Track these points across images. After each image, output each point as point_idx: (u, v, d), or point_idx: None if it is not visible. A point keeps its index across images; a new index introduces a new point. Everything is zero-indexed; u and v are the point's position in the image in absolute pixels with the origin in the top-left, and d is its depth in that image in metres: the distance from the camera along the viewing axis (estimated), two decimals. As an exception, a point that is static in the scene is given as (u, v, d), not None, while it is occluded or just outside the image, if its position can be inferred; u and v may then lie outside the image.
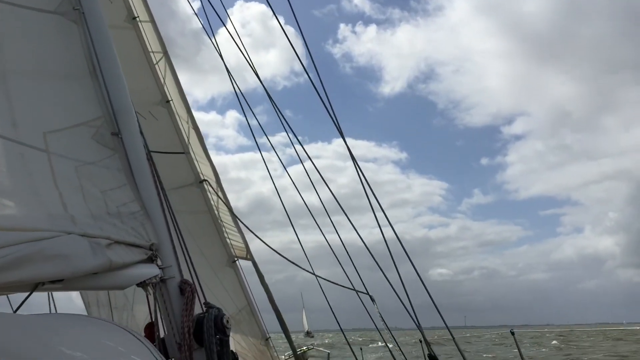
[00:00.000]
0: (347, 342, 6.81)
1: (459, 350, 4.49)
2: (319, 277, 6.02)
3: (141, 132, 2.77)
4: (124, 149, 2.64)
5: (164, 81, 6.49)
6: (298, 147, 5.67)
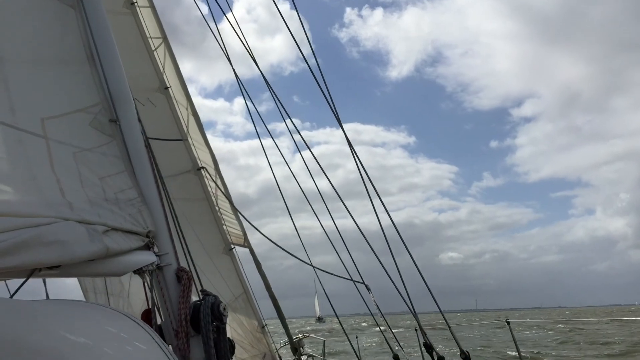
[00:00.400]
0: (343, 328, 6.85)
1: (454, 337, 4.51)
2: (315, 267, 6.04)
3: (139, 119, 2.76)
4: (122, 135, 2.64)
5: (163, 68, 6.46)
6: (299, 135, 5.66)
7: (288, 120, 5.64)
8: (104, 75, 2.68)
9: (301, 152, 5.81)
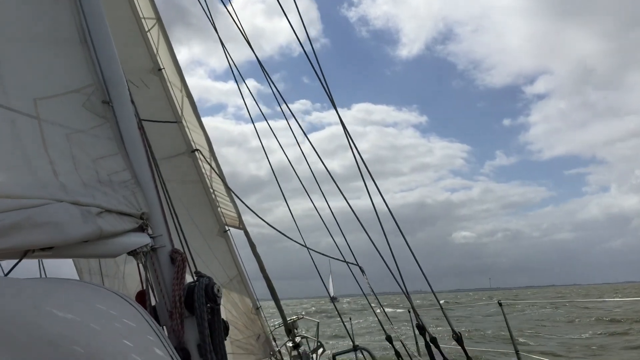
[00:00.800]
0: (336, 309, 6.91)
1: (446, 317, 4.55)
2: (310, 248, 6.07)
3: (132, 101, 2.75)
4: (115, 117, 2.63)
5: (157, 49, 6.41)
6: (304, 117, 5.65)
7: (282, 105, 5.63)
8: (96, 56, 2.66)
9: (298, 140, 5.81)
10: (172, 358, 1.77)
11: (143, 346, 1.66)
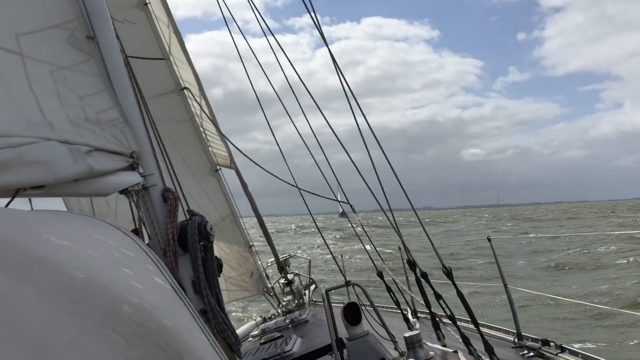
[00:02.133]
0: (330, 251, 7.01)
1: (436, 252, 4.60)
2: (300, 188, 6.09)
3: (117, 36, 2.67)
4: (100, 52, 2.56)
5: (141, -18, 6.19)
6: (270, 39, 5.53)
7: (262, 23, 5.50)
8: (78, -11, 2.56)
9: (266, 74, 5.70)
10: (172, 286, 1.79)
11: (142, 274, 1.67)
